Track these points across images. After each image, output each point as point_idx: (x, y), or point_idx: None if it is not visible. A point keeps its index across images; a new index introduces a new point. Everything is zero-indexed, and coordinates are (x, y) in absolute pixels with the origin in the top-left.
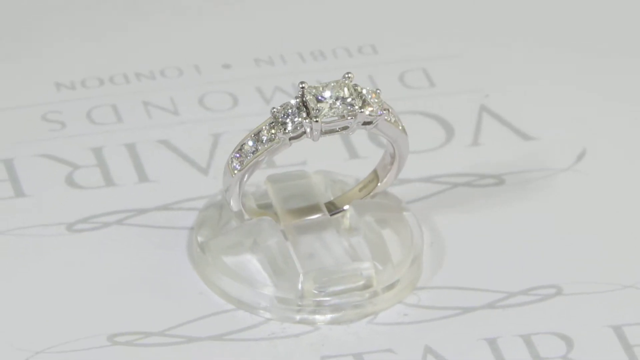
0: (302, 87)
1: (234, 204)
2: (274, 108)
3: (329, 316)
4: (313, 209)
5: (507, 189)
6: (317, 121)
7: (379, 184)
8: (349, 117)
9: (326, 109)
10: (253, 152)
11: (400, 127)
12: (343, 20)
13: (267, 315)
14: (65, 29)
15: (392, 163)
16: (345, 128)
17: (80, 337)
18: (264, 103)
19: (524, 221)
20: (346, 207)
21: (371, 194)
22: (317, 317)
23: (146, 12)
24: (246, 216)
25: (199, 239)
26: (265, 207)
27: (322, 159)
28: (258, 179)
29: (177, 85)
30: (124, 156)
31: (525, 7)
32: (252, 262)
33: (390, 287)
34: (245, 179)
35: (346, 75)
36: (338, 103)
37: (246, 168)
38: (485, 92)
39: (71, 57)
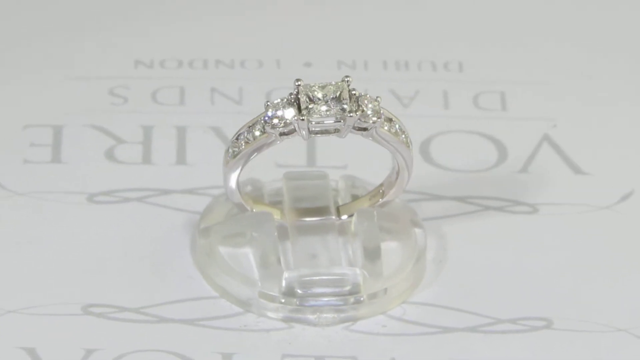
0: (298, 85)
1: (230, 194)
2: (267, 102)
3: (307, 316)
4: (321, 210)
5: (536, 218)
6: (303, 119)
7: (380, 200)
8: (339, 119)
9: (317, 109)
10: (245, 144)
11: (401, 139)
12: (436, 34)
13: (247, 307)
14: (164, 8)
15: (397, 178)
16: (337, 130)
17: (55, 303)
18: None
19: (535, 251)
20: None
21: (378, 204)
22: (295, 315)
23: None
24: (248, 208)
25: (202, 225)
26: (277, 203)
27: (365, 165)
28: (277, 175)
29: (252, 77)
30: (171, 138)
31: (620, 44)
32: (245, 254)
33: (375, 296)
34: (237, 170)
35: (344, 79)
36: (330, 104)
37: (236, 159)
38: (554, 122)
39: (158, 37)
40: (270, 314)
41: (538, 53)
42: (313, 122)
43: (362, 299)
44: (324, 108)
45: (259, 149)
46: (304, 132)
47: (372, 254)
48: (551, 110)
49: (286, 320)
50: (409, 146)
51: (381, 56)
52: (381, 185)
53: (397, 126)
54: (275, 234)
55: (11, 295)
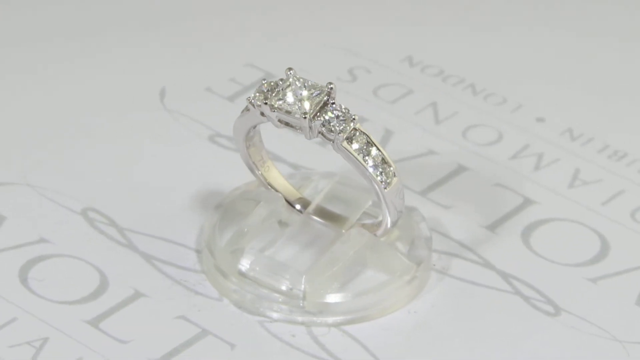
0: (289, 72)
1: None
2: (264, 79)
3: (244, 297)
4: (338, 219)
5: (546, 320)
6: (266, 103)
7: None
8: (296, 116)
9: (283, 98)
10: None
11: (364, 166)
12: None
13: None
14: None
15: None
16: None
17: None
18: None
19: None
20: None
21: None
22: (232, 297)
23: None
24: (257, 173)
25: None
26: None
27: None
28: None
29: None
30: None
31: None
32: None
33: (310, 308)
34: (241, 128)
35: (328, 85)
36: (298, 101)
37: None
38: None
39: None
40: (214, 286)
41: None
42: (275, 109)
43: (296, 303)
44: (290, 100)
45: (247, 119)
46: (269, 115)
47: (343, 272)
48: None
49: (226, 295)
50: (377, 182)
51: None
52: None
53: (379, 157)
54: (263, 217)
55: None
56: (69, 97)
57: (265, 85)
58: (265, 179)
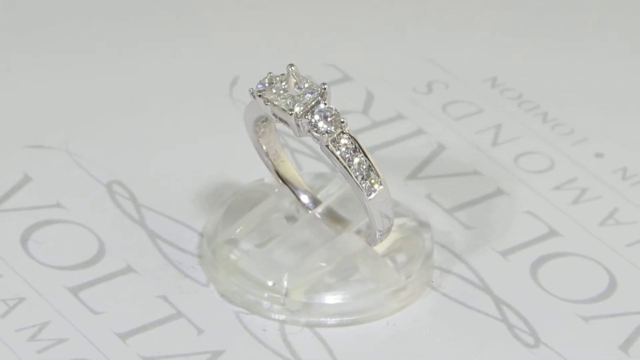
0: (291, 69)
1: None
2: (270, 72)
3: (229, 287)
4: (344, 222)
5: (522, 350)
6: (260, 95)
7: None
8: (285, 112)
9: (278, 93)
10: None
11: (347, 170)
12: None
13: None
14: None
15: None
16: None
17: None
18: None
19: None
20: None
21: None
22: (218, 285)
23: None
24: (272, 171)
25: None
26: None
27: None
28: None
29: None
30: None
31: None
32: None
33: (290, 306)
34: (248, 117)
35: (322, 85)
36: (290, 97)
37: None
38: None
39: None
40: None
41: None
42: (267, 101)
43: (278, 299)
44: (282, 95)
45: (254, 110)
46: (264, 107)
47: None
48: None
49: (213, 279)
50: (361, 188)
51: None
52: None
53: (366, 164)
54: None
55: None
56: (137, 78)
57: (268, 78)
58: (278, 172)
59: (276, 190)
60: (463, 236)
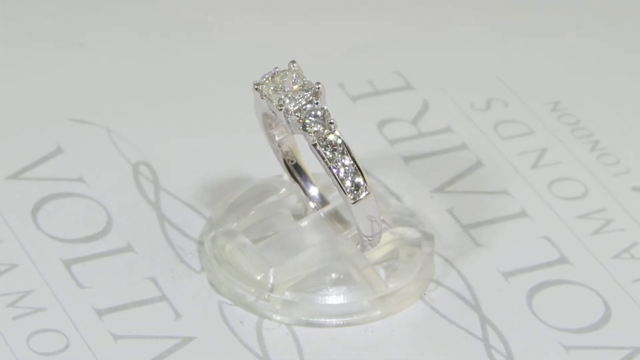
0: (292, 65)
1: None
2: (276, 67)
3: (218, 277)
4: (346, 225)
5: None
6: (257, 89)
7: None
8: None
9: (273, 88)
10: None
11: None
12: None
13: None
14: None
15: None
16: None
17: None
18: None
19: None
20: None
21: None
22: (209, 274)
23: None
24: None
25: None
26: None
27: None
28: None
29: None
30: None
31: None
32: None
33: (273, 302)
34: (258, 110)
35: (316, 85)
36: (284, 93)
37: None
38: None
39: None
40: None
41: None
42: (264, 93)
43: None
44: (278, 91)
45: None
46: (258, 97)
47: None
48: None
49: (208, 270)
50: (346, 193)
51: None
52: None
53: (353, 167)
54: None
55: None
56: (192, 65)
57: (272, 73)
58: (289, 166)
59: (285, 187)
60: (470, 253)
